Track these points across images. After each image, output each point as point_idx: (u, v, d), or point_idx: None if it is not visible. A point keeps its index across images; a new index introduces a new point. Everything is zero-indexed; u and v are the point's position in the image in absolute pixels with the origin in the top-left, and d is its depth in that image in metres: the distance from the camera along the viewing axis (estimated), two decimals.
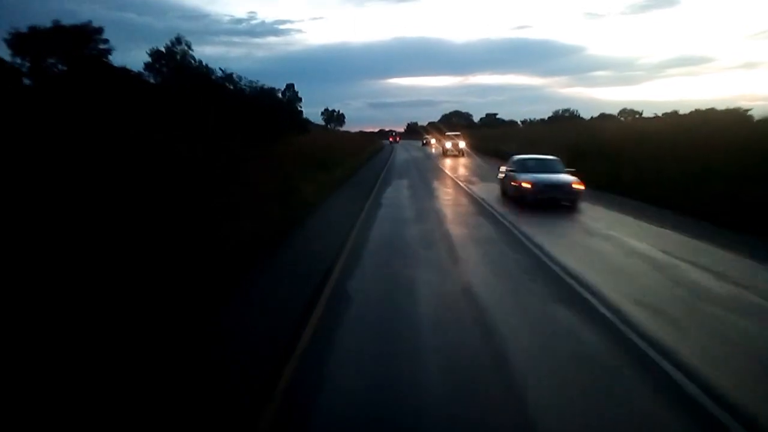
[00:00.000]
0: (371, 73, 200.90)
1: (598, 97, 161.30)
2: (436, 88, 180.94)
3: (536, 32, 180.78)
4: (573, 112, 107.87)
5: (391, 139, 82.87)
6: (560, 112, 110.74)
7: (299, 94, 73.82)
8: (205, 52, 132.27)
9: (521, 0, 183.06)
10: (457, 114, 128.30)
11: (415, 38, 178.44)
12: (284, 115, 35.19)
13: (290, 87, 77.71)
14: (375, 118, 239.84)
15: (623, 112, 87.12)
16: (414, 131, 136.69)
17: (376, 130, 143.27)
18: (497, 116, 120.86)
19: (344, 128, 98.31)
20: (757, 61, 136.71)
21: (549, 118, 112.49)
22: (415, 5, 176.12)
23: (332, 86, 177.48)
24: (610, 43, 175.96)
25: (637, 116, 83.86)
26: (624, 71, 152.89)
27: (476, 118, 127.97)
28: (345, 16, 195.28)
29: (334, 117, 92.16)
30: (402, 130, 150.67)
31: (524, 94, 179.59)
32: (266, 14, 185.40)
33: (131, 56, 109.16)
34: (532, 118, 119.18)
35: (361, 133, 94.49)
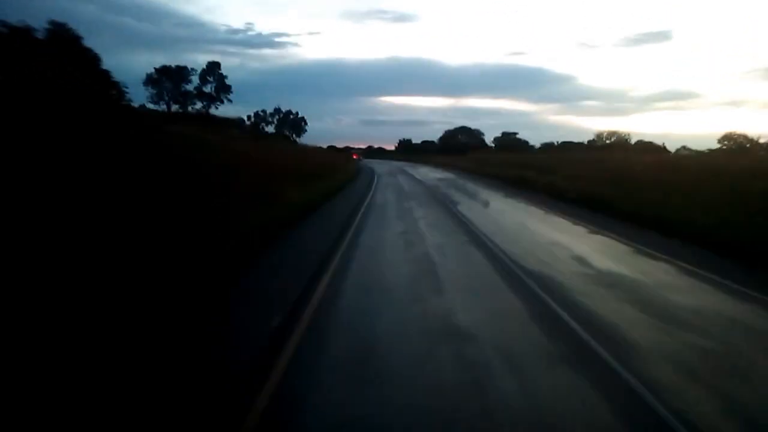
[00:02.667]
0: (364, 91, 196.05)
1: (588, 126, 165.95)
2: (427, 109, 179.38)
3: (530, 59, 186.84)
4: (623, 137, 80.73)
5: (355, 156, 68.49)
6: (604, 136, 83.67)
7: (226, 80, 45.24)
8: (199, 60, 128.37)
9: (516, 27, 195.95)
10: (465, 131, 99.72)
11: (410, 58, 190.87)
12: None
13: (213, 66, 48.27)
14: (366, 135, 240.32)
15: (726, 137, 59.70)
16: (409, 150, 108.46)
17: (364, 146, 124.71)
18: (517, 136, 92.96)
19: (305, 140, 70.36)
20: (744, 100, 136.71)
21: (588, 142, 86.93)
22: (411, 26, 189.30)
23: (325, 101, 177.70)
24: (601, 74, 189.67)
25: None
26: (614, 102, 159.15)
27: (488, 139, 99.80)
28: (342, 32, 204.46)
29: (285, 122, 62.05)
30: (393, 147, 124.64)
31: (515, 120, 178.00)
32: (263, 26, 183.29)
33: (127, 61, 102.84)
34: (556, 141, 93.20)
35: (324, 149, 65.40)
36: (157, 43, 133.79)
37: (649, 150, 63.93)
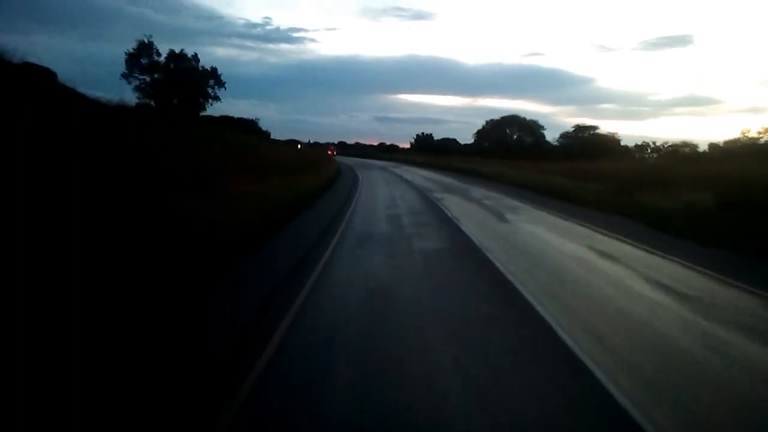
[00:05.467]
0: (380, 88, 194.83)
1: (604, 129, 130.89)
2: (443, 108, 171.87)
3: (548, 60, 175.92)
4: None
5: (330, 152, 65.00)
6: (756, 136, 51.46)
7: None
8: (217, 53, 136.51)
9: (535, 27, 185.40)
10: (516, 123, 67.55)
11: (427, 57, 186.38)
12: None
13: None
14: (380, 132, 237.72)
15: None
16: (429, 149, 76.92)
17: (376, 143, 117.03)
18: (596, 131, 60.82)
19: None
20: (764, 107, 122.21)
21: (726, 142, 55.26)
22: (429, 24, 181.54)
23: (341, 97, 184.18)
24: (620, 77, 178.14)
25: None
26: (631, 106, 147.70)
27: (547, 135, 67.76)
28: (359, 29, 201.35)
29: (175, 80, 28.48)
30: (407, 145, 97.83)
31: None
32: (281, 21, 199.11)
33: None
34: (654, 143, 61.35)
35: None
36: (175, 34, 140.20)
37: None
